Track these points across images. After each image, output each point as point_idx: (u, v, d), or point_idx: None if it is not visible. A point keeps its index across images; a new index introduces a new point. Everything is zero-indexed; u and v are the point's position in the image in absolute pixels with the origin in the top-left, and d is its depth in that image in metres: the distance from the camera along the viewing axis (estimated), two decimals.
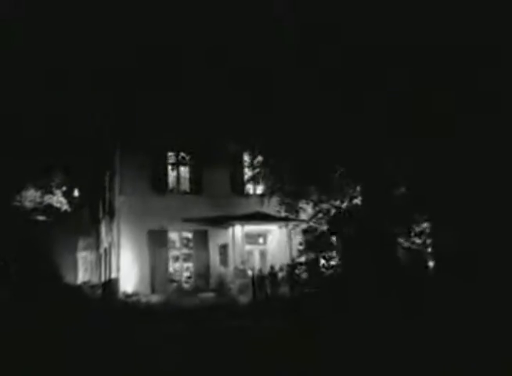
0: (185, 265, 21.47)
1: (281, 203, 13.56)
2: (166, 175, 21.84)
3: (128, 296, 17.79)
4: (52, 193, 26.34)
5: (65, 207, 26.60)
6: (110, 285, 19.52)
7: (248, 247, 21.97)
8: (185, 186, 22.20)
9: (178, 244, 21.62)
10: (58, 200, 26.57)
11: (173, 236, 21.54)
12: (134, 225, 20.43)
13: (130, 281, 19.69)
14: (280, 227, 22.22)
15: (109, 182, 23.58)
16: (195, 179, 22.10)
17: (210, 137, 20.73)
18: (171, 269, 21.15)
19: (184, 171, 22.35)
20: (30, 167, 24.68)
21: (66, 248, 27.72)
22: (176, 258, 21.42)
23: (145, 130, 20.56)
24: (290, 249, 22.03)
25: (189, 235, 21.72)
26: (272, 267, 20.22)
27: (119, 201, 21.00)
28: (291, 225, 21.99)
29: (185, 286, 21.00)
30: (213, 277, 21.08)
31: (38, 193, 25.94)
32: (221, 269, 21.35)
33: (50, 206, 26.41)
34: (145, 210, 20.46)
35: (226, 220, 21.32)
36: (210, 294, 19.65)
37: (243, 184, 22.65)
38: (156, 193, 21.16)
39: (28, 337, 9.12)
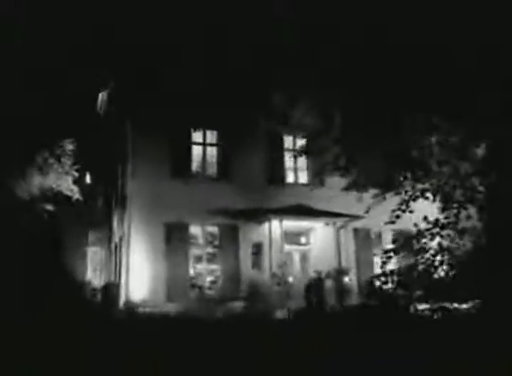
0: (210, 267, 17.60)
1: (356, 182, 9.22)
2: (189, 156, 18.00)
3: (132, 306, 13.88)
4: (60, 178, 23.08)
5: (76, 195, 23.20)
6: (111, 290, 15.73)
7: (287, 248, 17.94)
8: (212, 170, 18.32)
9: (201, 241, 17.72)
10: (68, 187, 23.21)
11: (195, 230, 17.64)
12: (147, 216, 16.64)
13: (140, 286, 15.90)
14: (327, 224, 18.20)
15: (121, 166, 19.86)
16: (224, 163, 18.22)
17: (244, 110, 16.89)
18: (191, 272, 17.29)
19: (211, 152, 18.47)
20: (35, 149, 21.76)
21: (76, 242, 24.43)
22: (199, 259, 17.53)
23: (162, 100, 16.85)
24: (339, 251, 18.16)
25: (215, 230, 17.86)
26: (319, 273, 16.36)
27: (130, 187, 17.26)
28: (341, 222, 18.15)
29: (209, 293, 17.14)
30: (244, 283, 17.17)
31: (46, 179, 22.76)
32: (254, 273, 17.41)
33: (59, 194, 23.18)
34: (161, 198, 16.67)
35: (261, 213, 17.38)
36: (241, 304, 15.76)
37: (282, 170, 18.71)
38: (175, 179, 17.32)
39: None
